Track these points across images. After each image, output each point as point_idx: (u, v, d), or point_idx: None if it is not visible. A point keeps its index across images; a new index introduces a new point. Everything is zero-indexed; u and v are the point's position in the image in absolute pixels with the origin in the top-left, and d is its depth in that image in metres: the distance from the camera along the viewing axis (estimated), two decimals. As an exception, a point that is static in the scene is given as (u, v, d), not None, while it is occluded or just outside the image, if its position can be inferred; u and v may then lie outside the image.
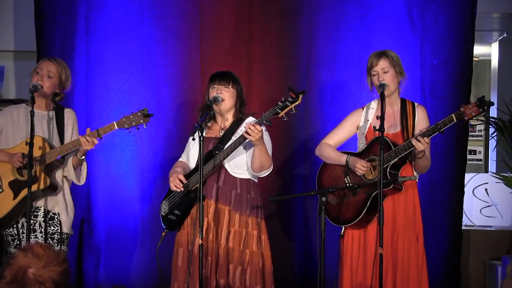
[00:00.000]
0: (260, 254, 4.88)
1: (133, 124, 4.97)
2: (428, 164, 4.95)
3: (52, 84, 5.11)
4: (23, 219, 5.04)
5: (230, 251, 4.83)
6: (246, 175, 4.93)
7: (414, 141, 4.70)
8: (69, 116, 5.23)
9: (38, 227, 5.08)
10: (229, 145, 4.77)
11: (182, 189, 4.90)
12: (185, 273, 4.87)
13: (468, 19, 6.02)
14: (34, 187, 4.90)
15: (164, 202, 5.07)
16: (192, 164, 5.01)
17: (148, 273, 6.19)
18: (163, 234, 5.05)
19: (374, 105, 5.11)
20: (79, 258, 6.28)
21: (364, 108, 5.14)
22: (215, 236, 4.82)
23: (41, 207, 5.09)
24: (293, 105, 4.52)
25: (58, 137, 5.14)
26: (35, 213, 5.08)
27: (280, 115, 4.54)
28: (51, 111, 5.18)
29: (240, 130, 4.86)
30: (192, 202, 4.90)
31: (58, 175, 5.13)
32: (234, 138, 4.84)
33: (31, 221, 5.06)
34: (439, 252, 6.01)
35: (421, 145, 4.67)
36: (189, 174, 4.96)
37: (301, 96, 4.53)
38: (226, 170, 4.89)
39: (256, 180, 5.00)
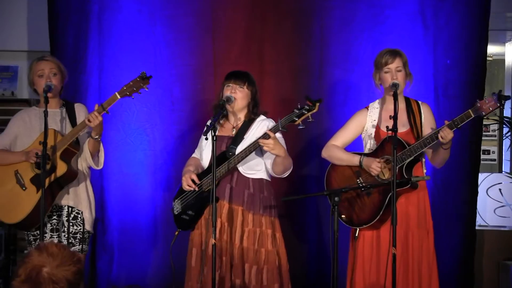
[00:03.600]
0: (276, 252, 4.87)
1: (134, 90, 4.97)
2: (448, 156, 4.94)
3: (59, 80, 5.17)
4: (46, 219, 5.06)
5: (245, 251, 4.82)
6: (259, 175, 4.93)
7: (441, 134, 4.69)
8: (80, 109, 5.28)
9: (61, 226, 5.11)
10: (243, 150, 4.75)
11: (196, 189, 4.91)
12: (198, 274, 4.88)
13: (481, 19, 6.00)
14: (54, 175, 4.94)
15: (176, 201, 5.07)
16: (205, 163, 5.01)
17: (161, 272, 6.20)
18: (176, 233, 5.06)
19: (377, 104, 5.12)
20: (92, 257, 6.30)
21: (368, 108, 5.15)
22: (229, 237, 4.82)
23: (65, 206, 5.12)
24: (309, 113, 4.50)
25: None
26: (59, 212, 5.12)
27: (296, 122, 4.52)
28: (61, 108, 5.22)
29: (252, 129, 4.90)
30: (206, 203, 4.90)
31: (78, 164, 5.16)
32: (246, 138, 4.87)
33: (55, 220, 5.11)
34: (452, 252, 5.99)
35: (447, 134, 4.67)
36: (202, 174, 4.96)
37: (317, 104, 4.50)
38: (238, 171, 4.89)
39: (270, 179, 5.00)
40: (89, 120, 4.91)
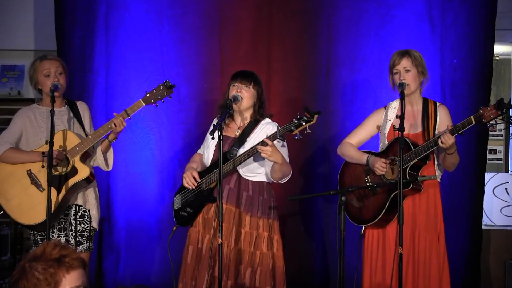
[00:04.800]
0: (271, 255, 4.87)
1: (158, 98, 5.03)
2: (457, 161, 4.93)
3: (65, 79, 5.17)
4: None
5: (241, 253, 4.82)
6: (259, 178, 4.92)
7: (442, 139, 4.67)
8: (83, 107, 5.31)
9: (68, 225, 5.12)
10: (241, 155, 4.76)
11: (195, 187, 4.91)
12: (193, 270, 4.89)
13: (488, 18, 5.99)
14: (77, 178, 4.98)
15: (177, 196, 5.08)
16: (207, 162, 5.01)
17: (167, 272, 6.19)
18: (174, 228, 5.06)
19: (395, 104, 5.10)
20: (99, 256, 6.30)
21: (386, 108, 5.13)
22: (225, 237, 4.81)
23: (72, 205, 5.14)
24: (307, 124, 4.51)
25: (80, 129, 5.18)
26: (66, 211, 5.12)
27: (294, 133, 4.53)
28: (65, 107, 5.22)
29: (256, 132, 4.90)
30: (204, 202, 4.91)
31: (89, 165, 5.18)
32: (248, 140, 4.87)
33: (62, 219, 5.12)
34: (459, 252, 5.98)
35: (448, 139, 4.65)
36: (203, 173, 4.97)
37: (316, 116, 4.51)
38: (238, 173, 4.89)
39: (270, 182, 4.99)
40: (115, 125, 4.95)
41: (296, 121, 4.52)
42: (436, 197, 4.99)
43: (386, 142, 5.03)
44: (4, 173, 5.10)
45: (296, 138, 4.53)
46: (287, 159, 4.87)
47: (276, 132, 4.59)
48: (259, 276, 4.82)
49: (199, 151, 5.23)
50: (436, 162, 4.97)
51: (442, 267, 4.93)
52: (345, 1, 6.16)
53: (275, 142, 4.64)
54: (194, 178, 4.92)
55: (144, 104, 5.03)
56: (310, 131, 4.53)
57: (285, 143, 4.87)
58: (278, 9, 6.25)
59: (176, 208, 5.08)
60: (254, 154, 4.71)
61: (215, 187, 4.80)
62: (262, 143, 4.59)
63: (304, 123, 4.51)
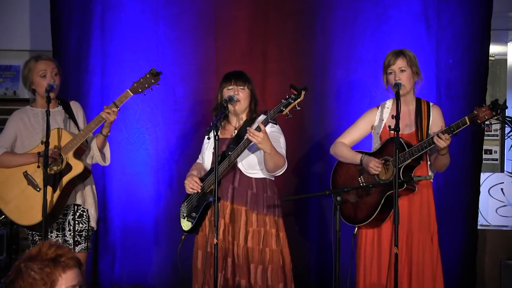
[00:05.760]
0: (280, 251, 4.86)
1: (146, 86, 5.00)
2: (448, 162, 4.92)
3: (59, 80, 5.15)
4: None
5: (250, 251, 4.80)
6: (261, 175, 4.90)
7: (435, 138, 4.67)
8: (76, 107, 5.29)
9: (67, 225, 5.12)
10: (239, 145, 4.75)
11: (199, 190, 4.90)
12: (204, 275, 4.86)
13: (484, 18, 6.00)
14: (71, 174, 4.96)
15: (183, 204, 5.06)
16: (207, 165, 5.01)
17: (163, 272, 6.20)
18: (183, 237, 5.05)
19: (389, 104, 5.10)
20: (94, 256, 6.29)
21: (379, 108, 5.13)
22: (233, 237, 4.81)
23: (71, 205, 5.13)
24: (295, 102, 4.50)
25: (75, 128, 5.17)
26: (65, 211, 5.11)
27: (284, 112, 4.51)
28: (58, 107, 5.21)
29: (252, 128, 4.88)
30: (208, 204, 4.88)
31: (87, 162, 5.16)
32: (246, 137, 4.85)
33: (60, 219, 5.11)
34: (454, 252, 5.99)
35: (443, 142, 4.65)
36: (204, 176, 4.96)
37: (303, 92, 4.50)
38: (240, 170, 4.87)
39: (273, 179, 4.98)
40: (108, 113, 4.93)
41: (284, 101, 4.51)
42: (429, 197, 4.99)
43: (380, 142, 5.03)
44: (2, 177, 5.09)
45: (287, 117, 4.52)
46: (283, 148, 4.86)
47: (267, 116, 4.58)
48: (271, 274, 4.81)
49: (198, 160, 5.21)
50: (429, 163, 4.97)
51: (435, 267, 4.93)
52: (341, 1, 6.17)
53: (268, 130, 4.63)
54: (196, 182, 4.91)
55: (132, 94, 5.00)
56: (299, 108, 4.52)
57: (280, 132, 4.88)
58: (274, 10, 6.25)
59: (182, 217, 5.07)
60: (250, 142, 4.67)
61: (218, 188, 4.76)
62: (257, 128, 4.58)
63: (292, 101, 4.50)
